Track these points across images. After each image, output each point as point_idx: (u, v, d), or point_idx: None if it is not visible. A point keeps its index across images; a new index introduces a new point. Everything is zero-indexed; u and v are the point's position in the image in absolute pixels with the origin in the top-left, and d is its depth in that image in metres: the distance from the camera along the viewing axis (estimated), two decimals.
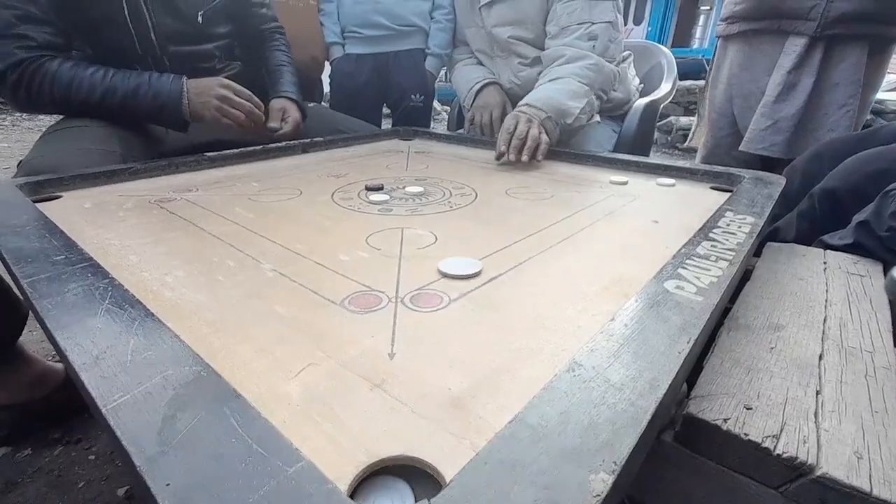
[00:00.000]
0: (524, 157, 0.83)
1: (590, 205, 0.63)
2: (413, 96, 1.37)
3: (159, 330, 0.28)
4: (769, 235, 0.86)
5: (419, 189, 0.67)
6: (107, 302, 0.30)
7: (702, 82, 1.44)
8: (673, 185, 0.74)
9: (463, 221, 0.56)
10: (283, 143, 0.92)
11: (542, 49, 1.08)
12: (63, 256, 0.37)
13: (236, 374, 0.27)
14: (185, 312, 0.34)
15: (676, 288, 0.34)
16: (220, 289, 0.37)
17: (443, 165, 0.86)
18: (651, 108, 1.22)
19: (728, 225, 0.48)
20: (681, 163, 0.82)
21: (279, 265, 0.42)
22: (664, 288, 0.34)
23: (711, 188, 0.73)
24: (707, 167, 0.77)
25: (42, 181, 0.62)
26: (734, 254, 0.40)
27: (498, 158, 0.85)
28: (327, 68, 1.42)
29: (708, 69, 1.37)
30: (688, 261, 0.39)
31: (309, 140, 0.95)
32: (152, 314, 0.30)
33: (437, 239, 0.49)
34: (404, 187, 0.68)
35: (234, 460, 0.19)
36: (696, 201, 0.66)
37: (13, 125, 4.29)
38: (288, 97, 1.00)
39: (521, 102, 0.94)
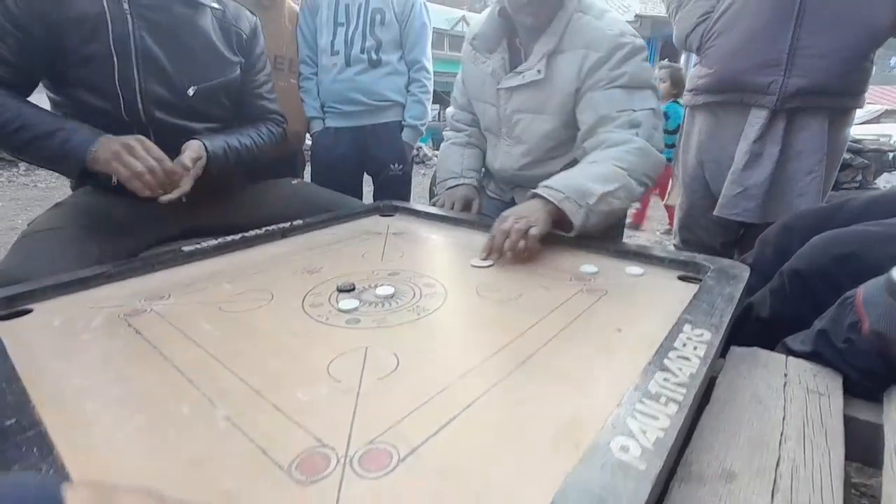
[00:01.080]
0: (507, 255, 0.79)
1: (557, 305, 0.64)
2: (392, 165, 1.41)
3: None
4: (743, 312, 0.87)
5: (390, 291, 0.68)
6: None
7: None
8: (642, 274, 0.75)
9: (428, 336, 0.56)
10: (262, 230, 0.93)
11: (559, 142, 1.05)
12: (13, 421, 0.37)
13: None
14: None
15: (621, 450, 0.34)
16: (167, 452, 0.37)
17: (417, 254, 0.87)
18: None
19: (684, 345, 0.49)
20: (647, 247, 0.83)
21: (234, 411, 0.42)
22: (610, 450, 0.34)
23: (679, 278, 0.74)
24: (674, 255, 0.79)
25: (13, 295, 0.63)
26: (685, 393, 0.40)
27: (483, 258, 0.81)
28: (308, 141, 1.46)
29: (679, 133, 1.43)
30: (638, 405, 0.39)
31: (288, 224, 0.97)
32: None
33: (398, 364, 0.50)
34: (376, 287, 0.69)
35: None
36: (663, 297, 0.67)
37: (9, 181, 4.33)
38: (200, 140, 0.92)
39: (540, 184, 0.88)
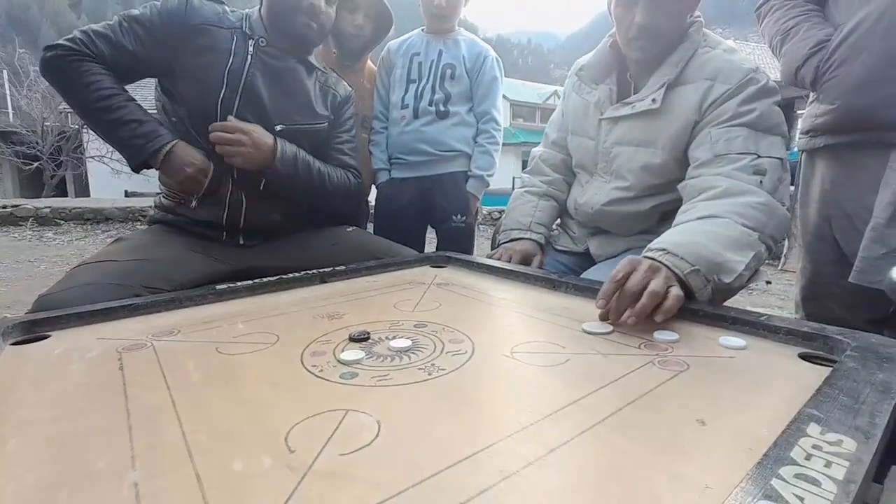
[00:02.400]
0: (629, 320, 0.60)
1: (615, 378, 0.48)
2: (455, 217, 1.35)
3: None
4: None
5: (406, 344, 0.57)
6: None
7: (792, 188, 1.25)
8: (743, 347, 0.56)
9: (430, 403, 0.44)
10: (301, 274, 0.89)
11: (666, 179, 0.93)
12: None
13: None
14: None
15: None
16: None
17: (455, 305, 0.76)
18: None
19: (808, 458, 0.31)
20: (760, 309, 0.63)
21: (149, 474, 0.33)
22: None
23: (801, 357, 0.53)
24: (794, 324, 0.58)
25: (37, 320, 0.63)
26: None
27: (602, 318, 0.64)
28: (373, 193, 1.47)
29: (795, 182, 1.18)
30: None
31: (328, 269, 0.92)
32: None
33: (376, 436, 0.38)
34: (392, 338, 0.59)
35: None
36: (775, 382, 0.47)
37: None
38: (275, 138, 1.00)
39: (652, 245, 0.71)
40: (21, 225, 5.27)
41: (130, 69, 0.95)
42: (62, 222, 5.30)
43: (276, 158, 0.98)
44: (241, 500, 0.30)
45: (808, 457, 0.31)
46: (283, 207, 1.07)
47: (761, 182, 0.78)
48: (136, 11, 0.96)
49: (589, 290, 0.78)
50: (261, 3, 1.05)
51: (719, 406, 0.42)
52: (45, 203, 5.93)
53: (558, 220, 1.19)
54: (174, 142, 0.93)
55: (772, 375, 0.49)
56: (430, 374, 0.49)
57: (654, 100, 0.90)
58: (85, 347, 0.57)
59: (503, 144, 1.47)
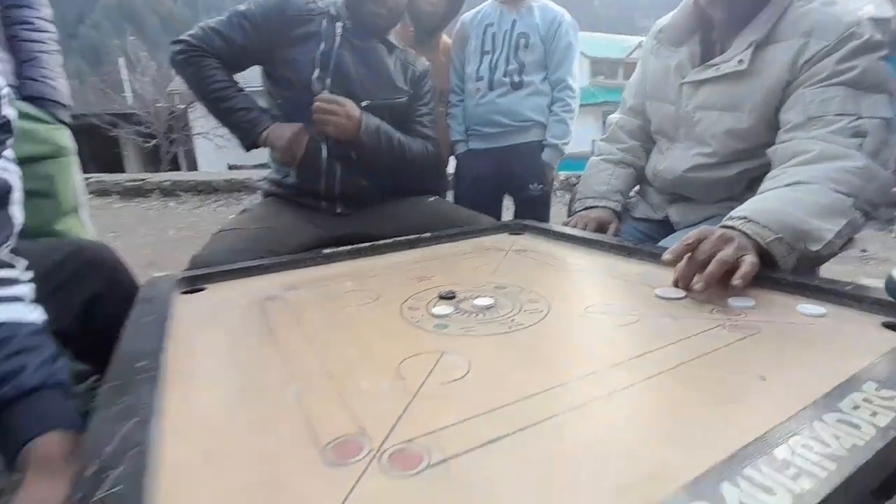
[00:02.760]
0: (697, 286, 0.61)
1: (683, 338, 0.52)
2: (531, 185, 1.38)
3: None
4: None
5: (488, 302, 0.65)
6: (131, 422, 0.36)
7: None
8: (823, 315, 0.57)
9: (510, 350, 0.52)
10: (391, 240, 1.00)
11: (753, 145, 0.88)
12: (145, 363, 0.46)
13: None
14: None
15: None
16: (242, 409, 0.41)
17: (532, 270, 0.82)
18: None
19: (856, 407, 0.34)
20: (841, 282, 0.62)
21: (305, 386, 0.45)
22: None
23: (884, 325, 0.53)
24: (878, 293, 0.57)
25: (196, 276, 0.80)
26: (831, 470, 0.28)
27: (674, 283, 0.65)
28: (452, 163, 1.54)
29: None
30: (749, 470, 0.28)
31: (415, 237, 1.02)
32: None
33: (468, 372, 0.46)
34: (476, 298, 0.67)
35: None
36: (849, 348, 0.49)
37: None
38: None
39: (734, 213, 0.69)
40: (149, 196, 6.09)
41: (240, 60, 1.09)
42: (181, 193, 6.04)
43: (360, 131, 1.08)
44: (373, 410, 0.40)
45: (857, 407, 0.34)
46: (372, 177, 1.18)
47: (861, 145, 0.72)
48: (242, 7, 1.09)
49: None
50: None
51: (783, 365, 0.45)
52: (165, 177, 6.76)
53: (637, 188, 1.18)
54: (272, 123, 1.07)
55: (848, 342, 0.50)
56: (510, 329, 0.57)
57: (740, 60, 0.85)
58: (234, 298, 0.72)
59: (582, 105, 1.45)
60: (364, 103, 1.11)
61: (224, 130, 1.15)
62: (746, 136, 0.89)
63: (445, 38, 1.52)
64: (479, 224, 1.17)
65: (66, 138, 1.07)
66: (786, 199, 0.71)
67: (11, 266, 0.53)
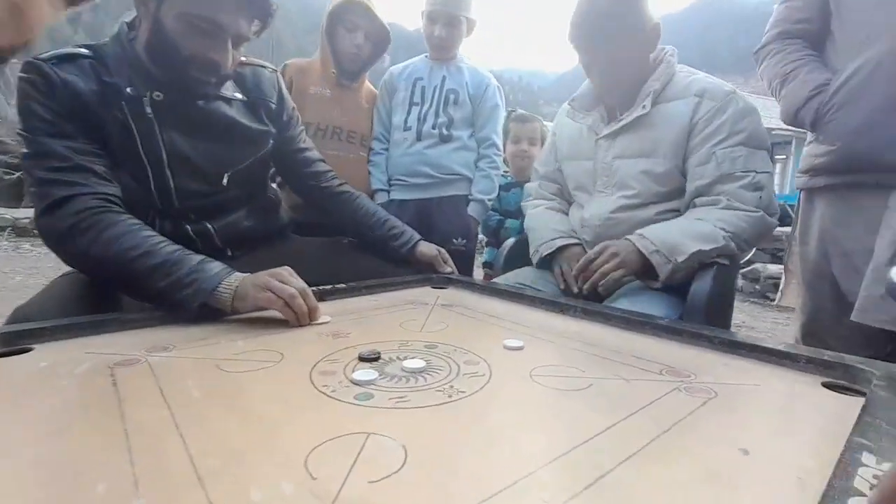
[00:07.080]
0: (583, 288, 0.88)
1: (645, 405, 0.46)
2: (455, 240, 1.33)
3: None
4: None
5: (420, 364, 0.54)
6: None
7: (788, 229, 1.31)
8: (765, 376, 0.55)
9: (456, 427, 0.41)
10: None
11: (671, 188, 1.01)
12: None
13: None
14: None
15: None
16: None
17: (464, 326, 0.74)
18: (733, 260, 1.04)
19: (872, 488, 0.29)
20: (773, 341, 0.62)
21: (155, 502, 0.29)
22: None
23: (824, 385, 0.52)
24: (813, 352, 0.58)
25: (19, 332, 0.58)
26: None
27: (562, 287, 0.93)
28: None
29: (793, 219, 1.21)
30: None
31: (330, 287, 0.89)
32: None
33: (405, 462, 0.35)
34: (404, 359, 0.56)
35: None
36: (805, 410, 0.46)
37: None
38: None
39: (638, 230, 0.93)
40: None
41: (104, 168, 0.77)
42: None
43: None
44: None
45: (872, 487, 0.29)
46: (253, 216, 0.99)
47: (761, 198, 0.91)
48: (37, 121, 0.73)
49: (598, 315, 0.77)
50: (124, 42, 0.81)
51: (759, 435, 0.40)
52: (24, 213, 5.73)
53: None
54: (234, 282, 0.71)
55: (800, 404, 0.48)
56: (449, 397, 0.47)
57: (643, 106, 0.98)
58: (69, 363, 0.53)
59: None
60: (225, 180, 0.91)
61: None
62: (664, 179, 1.01)
63: (368, 84, 1.48)
64: (398, 275, 1.07)
65: None
66: (675, 225, 0.94)
67: None
